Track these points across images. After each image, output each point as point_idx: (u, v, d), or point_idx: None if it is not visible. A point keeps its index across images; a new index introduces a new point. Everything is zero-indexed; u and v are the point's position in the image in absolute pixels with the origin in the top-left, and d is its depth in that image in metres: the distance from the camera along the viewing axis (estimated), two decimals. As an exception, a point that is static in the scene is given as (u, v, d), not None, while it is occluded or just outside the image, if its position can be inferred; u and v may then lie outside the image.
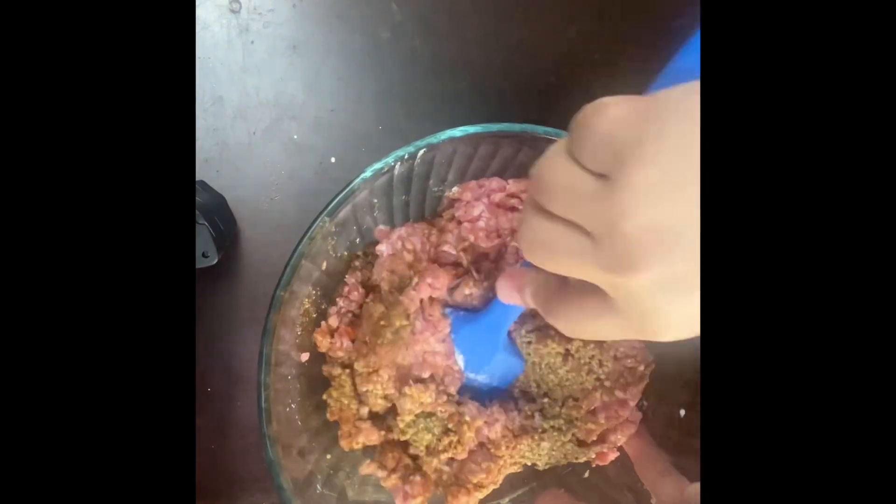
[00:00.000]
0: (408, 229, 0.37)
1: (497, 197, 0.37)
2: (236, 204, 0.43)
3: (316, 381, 0.37)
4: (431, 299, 0.35)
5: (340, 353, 0.37)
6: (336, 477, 0.37)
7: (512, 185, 0.37)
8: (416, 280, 0.35)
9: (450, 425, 0.35)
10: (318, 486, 0.35)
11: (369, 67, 0.44)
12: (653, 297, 0.19)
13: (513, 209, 0.38)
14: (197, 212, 0.38)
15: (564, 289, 0.24)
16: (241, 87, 0.43)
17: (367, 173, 0.33)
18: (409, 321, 0.34)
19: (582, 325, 0.23)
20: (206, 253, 0.39)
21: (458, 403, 0.36)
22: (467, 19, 0.44)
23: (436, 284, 0.35)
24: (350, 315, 0.37)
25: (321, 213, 0.33)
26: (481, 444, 0.36)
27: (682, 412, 0.36)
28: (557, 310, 0.24)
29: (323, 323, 0.37)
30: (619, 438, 0.36)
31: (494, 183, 0.37)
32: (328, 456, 0.37)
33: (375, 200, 0.36)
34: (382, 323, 0.35)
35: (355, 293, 0.37)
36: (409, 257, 0.36)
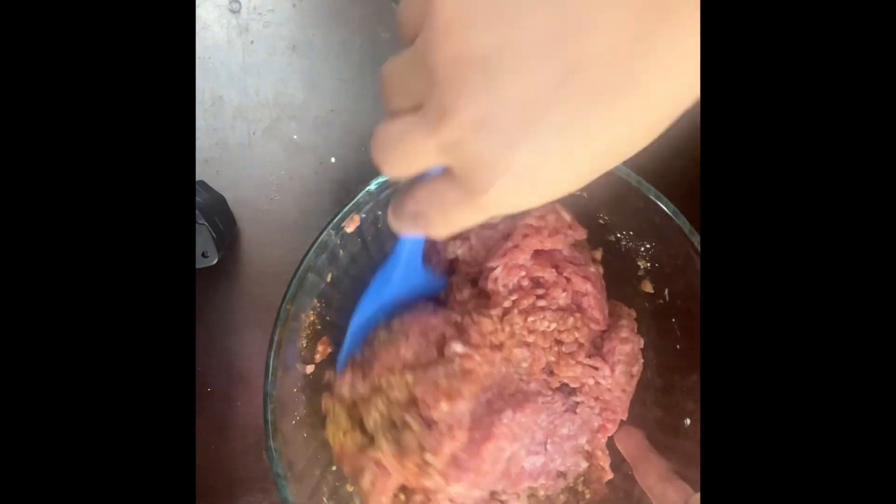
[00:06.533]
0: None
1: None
2: (236, 204, 0.43)
3: (320, 392, 0.36)
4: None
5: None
6: (342, 488, 0.36)
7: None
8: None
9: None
10: (325, 499, 0.35)
11: (369, 67, 0.44)
12: (475, 144, 0.17)
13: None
14: (197, 212, 0.38)
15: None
16: (241, 87, 0.43)
17: (372, 186, 0.33)
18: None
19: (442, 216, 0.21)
20: (206, 253, 0.39)
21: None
22: (467, 19, 0.44)
23: None
24: None
25: (327, 225, 0.33)
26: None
27: (688, 421, 0.35)
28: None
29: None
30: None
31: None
32: (333, 467, 0.36)
33: (380, 213, 0.35)
34: None
35: None
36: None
